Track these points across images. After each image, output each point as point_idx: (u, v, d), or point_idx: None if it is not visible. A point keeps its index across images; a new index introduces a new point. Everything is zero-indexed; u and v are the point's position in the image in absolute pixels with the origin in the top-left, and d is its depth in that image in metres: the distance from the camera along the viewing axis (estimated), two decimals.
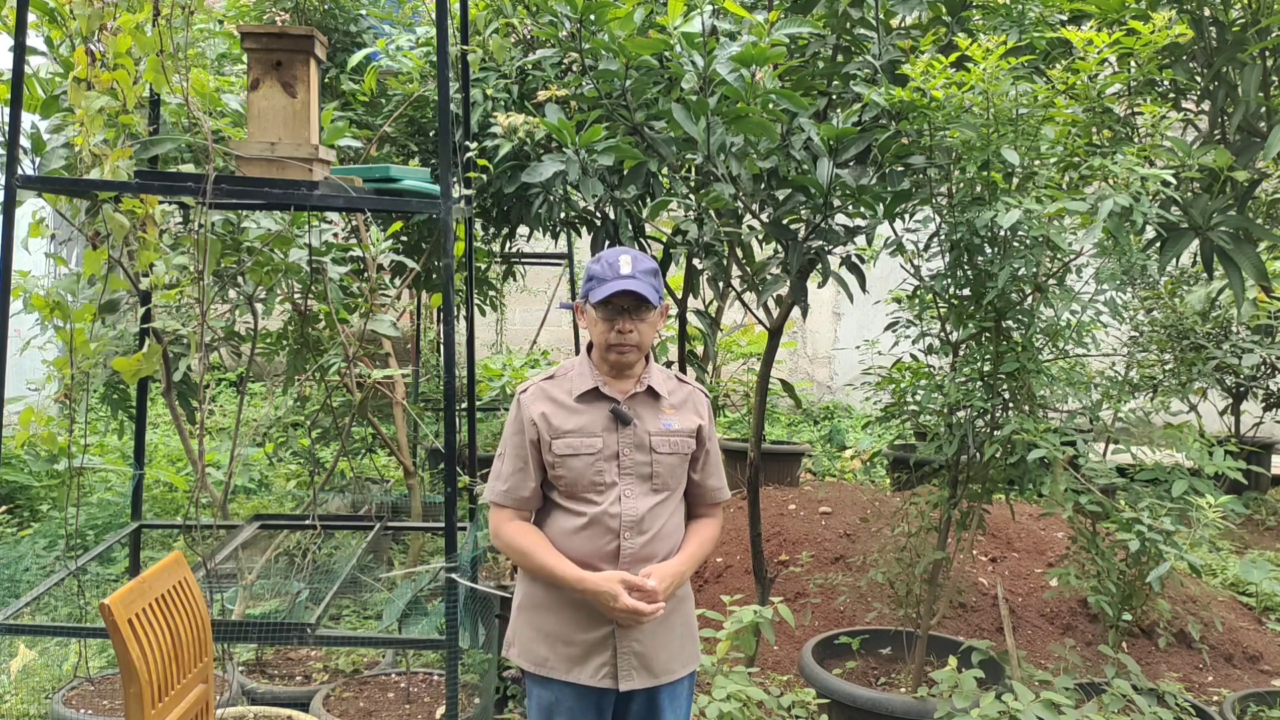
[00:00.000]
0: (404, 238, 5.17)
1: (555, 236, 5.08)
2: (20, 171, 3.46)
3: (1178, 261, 3.85)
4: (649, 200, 4.49)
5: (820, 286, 3.98)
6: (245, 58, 3.57)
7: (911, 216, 3.86)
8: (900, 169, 3.63)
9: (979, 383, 3.66)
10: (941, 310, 3.80)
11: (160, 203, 3.60)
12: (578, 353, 2.68)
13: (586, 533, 2.55)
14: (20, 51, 3.23)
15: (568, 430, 2.56)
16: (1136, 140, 3.61)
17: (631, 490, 2.55)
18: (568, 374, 2.64)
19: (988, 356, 3.64)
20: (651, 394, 2.61)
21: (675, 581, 2.55)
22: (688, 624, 2.69)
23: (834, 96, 4.03)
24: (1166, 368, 4.82)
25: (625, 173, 4.06)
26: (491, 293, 6.20)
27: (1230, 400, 7.40)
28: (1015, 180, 3.42)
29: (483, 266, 5.84)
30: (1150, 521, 3.30)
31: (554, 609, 2.59)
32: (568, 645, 2.58)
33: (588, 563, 2.54)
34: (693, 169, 4.25)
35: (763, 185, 3.88)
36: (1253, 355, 5.05)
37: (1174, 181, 3.15)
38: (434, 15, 3.62)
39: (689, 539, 2.66)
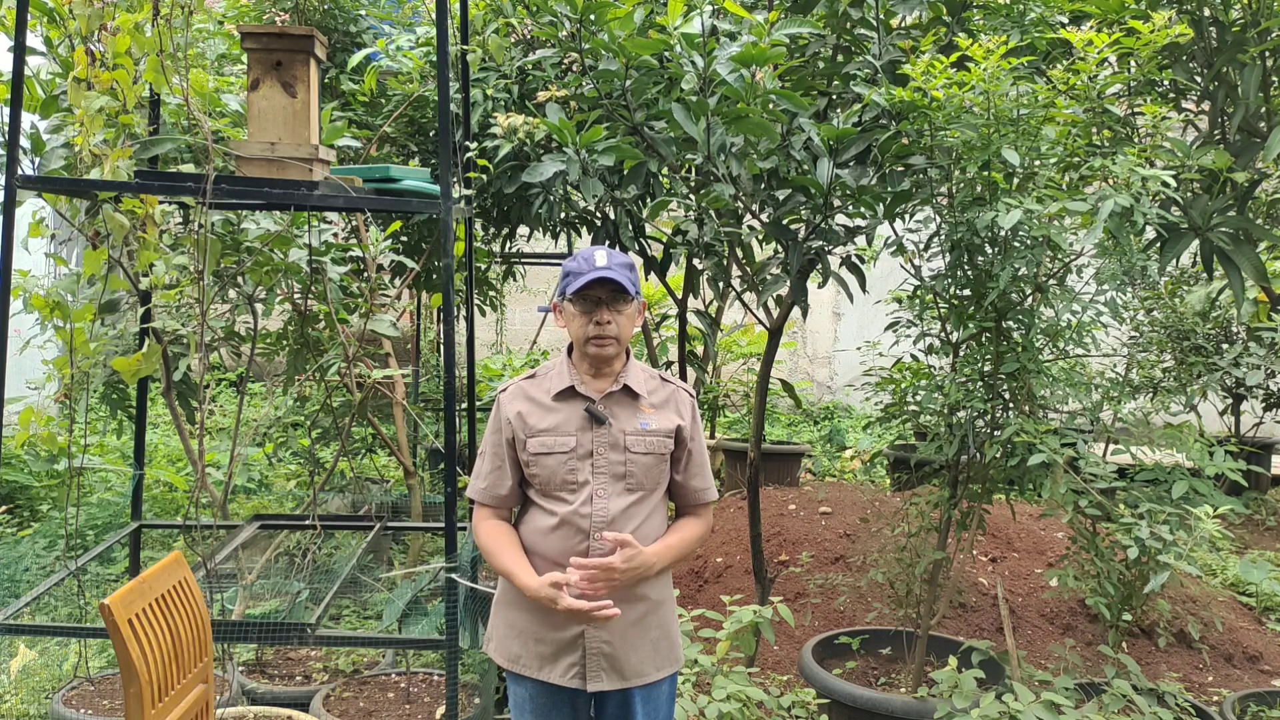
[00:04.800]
0: (404, 238, 5.17)
1: (555, 236, 5.08)
2: (20, 171, 3.46)
3: (1178, 262, 3.86)
4: (649, 200, 4.49)
5: (820, 286, 3.98)
6: (245, 58, 3.58)
7: (911, 216, 3.86)
8: (900, 169, 3.63)
9: (979, 383, 3.66)
10: (942, 310, 3.80)
11: (160, 203, 3.60)
12: None
13: (558, 532, 2.54)
14: (20, 51, 3.23)
15: (542, 429, 2.56)
16: (1137, 141, 3.61)
17: (604, 490, 2.54)
18: (548, 374, 2.64)
19: (988, 357, 3.64)
20: (629, 393, 2.59)
21: (641, 565, 2.48)
22: (664, 627, 2.65)
23: (834, 96, 4.03)
24: (1166, 368, 4.83)
25: (625, 173, 4.06)
26: (491, 293, 6.20)
27: (1230, 400, 7.40)
28: (1016, 180, 3.42)
29: (483, 266, 5.84)
30: (1149, 528, 3.30)
31: (527, 607, 2.58)
32: (539, 643, 2.57)
33: (559, 562, 2.52)
34: (693, 169, 4.25)
35: (763, 185, 3.88)
36: (1256, 374, 5.05)
37: (1174, 183, 3.15)
38: (434, 15, 3.62)
39: (670, 532, 2.63)
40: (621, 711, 2.62)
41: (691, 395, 2.70)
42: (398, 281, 5.24)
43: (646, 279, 5.21)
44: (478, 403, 5.57)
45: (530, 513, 2.62)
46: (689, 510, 2.72)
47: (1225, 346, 5.21)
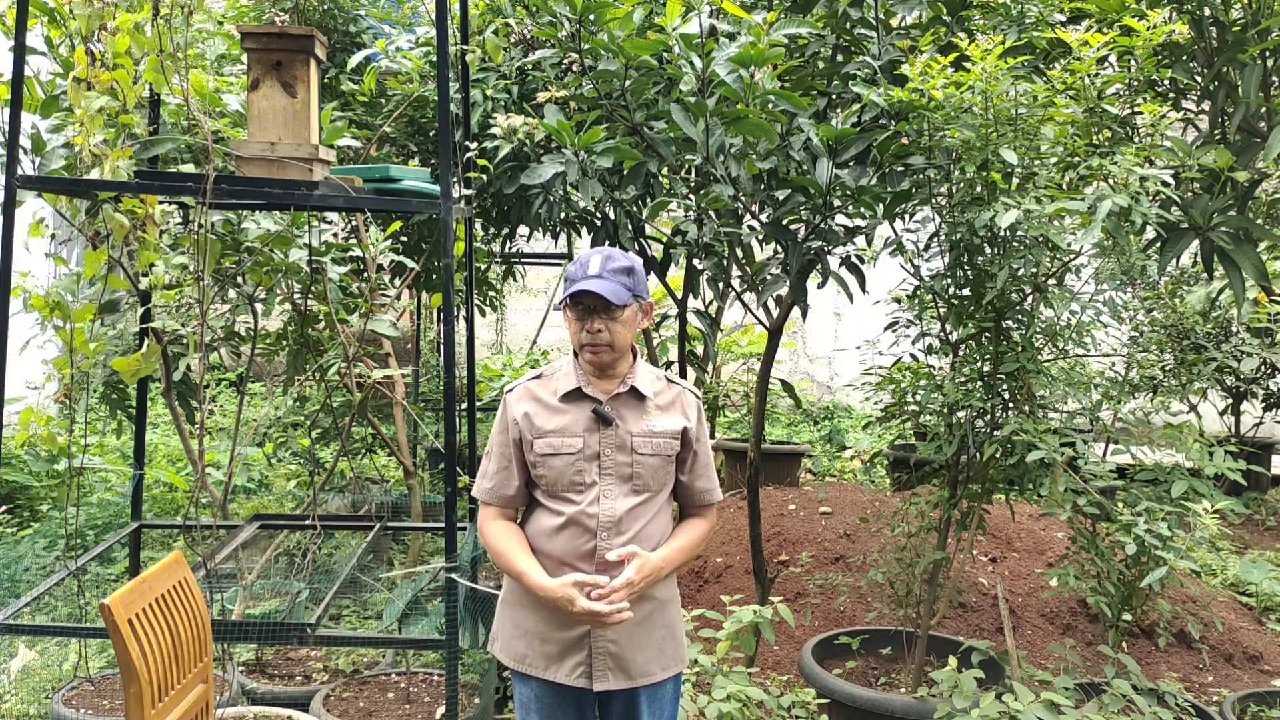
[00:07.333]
0: (404, 238, 5.17)
1: (555, 236, 5.08)
2: (20, 171, 3.46)
3: (1178, 261, 3.86)
4: (649, 200, 4.49)
5: (820, 287, 3.98)
6: (245, 58, 3.58)
7: (911, 216, 3.86)
8: (900, 169, 3.63)
9: (979, 383, 3.66)
10: (941, 310, 3.80)
11: (160, 203, 3.60)
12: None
13: (565, 532, 2.54)
14: (20, 51, 3.23)
15: (549, 430, 2.56)
16: (1136, 140, 3.61)
17: (611, 491, 2.54)
18: (555, 374, 2.64)
19: (987, 356, 3.64)
20: (635, 394, 2.60)
21: (653, 573, 2.51)
22: (670, 626, 2.66)
23: (833, 97, 4.03)
24: (1166, 368, 4.83)
25: (625, 173, 4.06)
26: (491, 293, 6.20)
27: (1230, 400, 7.40)
28: (1015, 180, 3.42)
29: (483, 266, 5.85)
30: (1147, 525, 3.30)
31: (533, 606, 2.58)
32: (545, 643, 2.58)
33: (566, 562, 2.53)
34: (692, 169, 4.25)
35: (762, 186, 3.88)
36: (1251, 360, 5.06)
37: (1173, 182, 3.15)
38: (433, 15, 3.62)
39: (676, 535, 2.64)
40: (627, 711, 2.62)
41: (697, 397, 2.71)
42: (398, 281, 5.24)
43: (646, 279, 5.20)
44: (477, 403, 5.57)
45: (536, 513, 2.63)
46: (693, 511, 2.73)
47: (1225, 345, 5.21)
